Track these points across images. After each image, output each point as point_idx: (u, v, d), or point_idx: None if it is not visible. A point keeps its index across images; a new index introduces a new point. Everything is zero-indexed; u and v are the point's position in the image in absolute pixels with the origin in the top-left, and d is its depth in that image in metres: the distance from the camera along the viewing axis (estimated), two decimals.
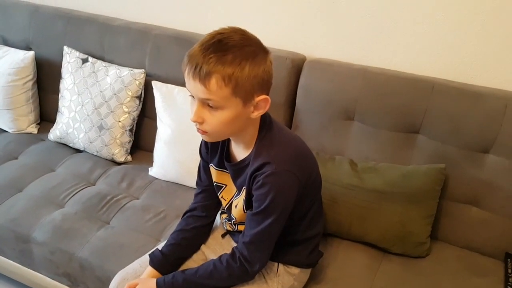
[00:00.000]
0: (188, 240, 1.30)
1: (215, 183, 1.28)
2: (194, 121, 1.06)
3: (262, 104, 1.06)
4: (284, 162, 1.10)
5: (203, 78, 0.98)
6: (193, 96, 1.05)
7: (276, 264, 1.27)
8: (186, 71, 1.01)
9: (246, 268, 1.15)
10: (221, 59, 0.97)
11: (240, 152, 1.18)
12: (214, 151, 1.24)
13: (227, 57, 0.97)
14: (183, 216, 1.34)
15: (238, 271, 1.16)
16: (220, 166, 1.24)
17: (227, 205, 1.28)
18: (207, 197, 1.33)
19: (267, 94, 1.06)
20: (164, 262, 1.25)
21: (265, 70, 1.03)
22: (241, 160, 1.17)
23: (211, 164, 1.27)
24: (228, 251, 1.31)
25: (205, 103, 1.03)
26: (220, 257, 1.18)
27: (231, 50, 0.98)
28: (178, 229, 1.31)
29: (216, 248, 1.35)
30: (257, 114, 1.07)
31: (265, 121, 1.14)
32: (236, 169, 1.19)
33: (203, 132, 1.08)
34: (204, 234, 1.36)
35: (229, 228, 1.33)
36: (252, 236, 1.13)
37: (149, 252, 1.29)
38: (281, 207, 1.11)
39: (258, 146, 1.13)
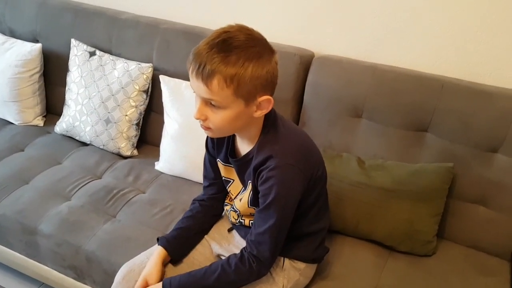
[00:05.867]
0: (196, 226, 1.33)
1: (223, 178, 1.30)
2: (197, 119, 1.07)
3: (265, 104, 1.06)
4: (287, 156, 1.10)
5: (206, 78, 0.98)
6: None
7: (282, 258, 1.27)
8: (190, 69, 1.01)
9: (254, 270, 1.15)
10: (224, 60, 0.97)
11: (244, 147, 1.19)
12: (220, 146, 1.25)
13: (230, 58, 0.97)
14: (191, 204, 1.36)
15: (247, 274, 1.16)
16: (226, 161, 1.25)
17: (233, 199, 1.30)
18: (216, 190, 1.34)
19: (271, 94, 1.06)
20: (172, 242, 1.26)
21: (269, 71, 1.02)
22: (244, 155, 1.17)
23: (218, 160, 1.28)
24: (234, 245, 1.34)
25: (207, 102, 1.04)
26: (228, 259, 1.17)
27: (235, 50, 0.97)
28: (187, 215, 1.33)
29: (222, 242, 1.36)
30: (259, 114, 1.08)
31: (270, 117, 1.14)
32: (240, 164, 1.20)
33: (206, 128, 1.10)
34: (213, 223, 1.38)
35: (233, 218, 1.33)
36: (259, 235, 1.13)
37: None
38: (286, 202, 1.11)
39: (261, 141, 1.14)
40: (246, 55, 0.98)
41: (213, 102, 1.02)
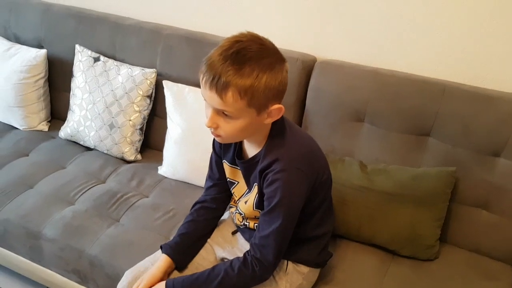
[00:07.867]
0: (198, 230, 1.33)
1: (228, 179, 1.30)
2: (209, 127, 1.08)
3: (276, 112, 1.07)
4: (293, 159, 1.11)
5: (220, 90, 0.98)
6: None
7: (285, 262, 1.28)
8: (204, 80, 1.01)
9: (257, 274, 1.15)
10: (238, 72, 0.97)
11: (251, 149, 1.20)
12: (228, 148, 1.26)
13: (244, 70, 0.97)
14: (193, 207, 1.36)
15: (249, 278, 1.17)
16: (233, 163, 1.26)
17: (237, 201, 1.30)
18: (218, 190, 1.35)
19: (281, 102, 1.08)
20: (176, 248, 1.26)
21: (281, 81, 1.03)
22: (251, 157, 1.19)
23: (224, 160, 1.29)
24: (238, 248, 1.34)
25: (219, 111, 1.04)
26: (231, 262, 1.18)
27: (248, 62, 0.98)
28: (189, 220, 1.33)
29: (225, 245, 1.36)
30: (270, 121, 1.10)
31: (277, 121, 1.15)
32: (247, 166, 1.21)
33: (217, 136, 1.11)
34: (214, 225, 1.38)
35: (238, 221, 1.34)
36: (263, 238, 1.14)
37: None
38: (290, 205, 1.12)
39: (268, 144, 1.15)
40: (260, 66, 0.98)
41: (226, 112, 1.03)
